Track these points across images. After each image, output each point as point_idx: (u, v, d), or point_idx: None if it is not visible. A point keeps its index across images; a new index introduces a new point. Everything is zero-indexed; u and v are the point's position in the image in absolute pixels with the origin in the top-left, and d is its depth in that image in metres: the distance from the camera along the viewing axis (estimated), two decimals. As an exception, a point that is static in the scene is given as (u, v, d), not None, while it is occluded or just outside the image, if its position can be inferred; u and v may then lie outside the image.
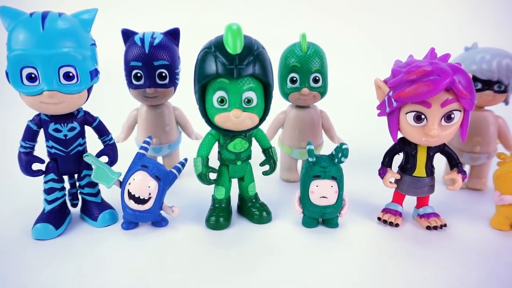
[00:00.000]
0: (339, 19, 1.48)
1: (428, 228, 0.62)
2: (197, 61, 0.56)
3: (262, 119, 0.59)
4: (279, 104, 0.74)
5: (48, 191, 0.61)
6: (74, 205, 0.66)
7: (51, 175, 0.61)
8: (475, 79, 0.70)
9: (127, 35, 0.74)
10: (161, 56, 0.71)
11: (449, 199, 0.74)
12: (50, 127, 0.59)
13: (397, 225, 0.63)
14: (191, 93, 0.59)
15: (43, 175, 0.61)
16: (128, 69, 0.73)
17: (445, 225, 0.63)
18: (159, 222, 0.63)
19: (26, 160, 0.59)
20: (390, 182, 0.64)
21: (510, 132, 0.76)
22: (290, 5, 1.48)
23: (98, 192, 0.66)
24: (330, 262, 0.55)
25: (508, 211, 0.61)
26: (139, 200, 0.59)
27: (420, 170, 0.61)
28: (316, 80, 0.73)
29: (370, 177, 0.72)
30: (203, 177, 0.61)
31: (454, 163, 0.62)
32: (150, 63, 0.71)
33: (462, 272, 0.52)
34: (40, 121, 0.59)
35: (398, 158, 0.64)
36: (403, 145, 0.62)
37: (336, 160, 0.60)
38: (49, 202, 0.61)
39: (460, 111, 0.54)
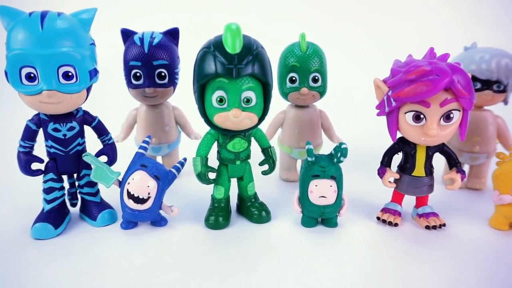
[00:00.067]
0: (338, 19, 1.48)
1: (427, 227, 0.63)
2: (196, 60, 0.56)
3: (261, 119, 0.59)
4: (278, 103, 0.73)
5: (47, 191, 0.61)
6: (74, 205, 0.66)
7: (50, 175, 0.61)
8: (474, 78, 0.70)
9: (127, 34, 0.74)
10: (160, 55, 0.71)
11: (448, 198, 0.74)
12: (49, 126, 0.59)
13: (396, 224, 0.63)
14: (191, 92, 0.59)
15: (42, 175, 0.61)
16: (128, 68, 0.73)
17: (444, 225, 0.63)
18: (158, 221, 0.63)
19: (25, 160, 0.59)
20: (389, 181, 0.64)
21: (509, 132, 0.76)
22: (289, 5, 1.48)
23: (98, 191, 0.66)
24: (329, 261, 0.55)
25: (507, 210, 0.61)
26: (138, 200, 0.59)
27: (419, 170, 0.61)
28: (315, 80, 0.73)
29: (369, 176, 0.73)
30: (202, 177, 0.61)
31: (453, 162, 0.62)
32: (150, 63, 0.71)
33: (461, 272, 0.52)
34: (39, 121, 0.59)
35: (397, 158, 0.64)
36: (402, 145, 0.62)
37: (335, 160, 0.60)
38: (48, 201, 0.61)
39: (459, 110, 0.54)
